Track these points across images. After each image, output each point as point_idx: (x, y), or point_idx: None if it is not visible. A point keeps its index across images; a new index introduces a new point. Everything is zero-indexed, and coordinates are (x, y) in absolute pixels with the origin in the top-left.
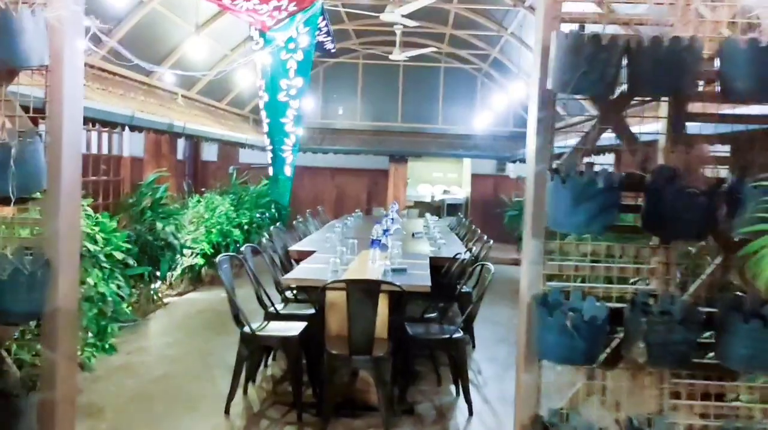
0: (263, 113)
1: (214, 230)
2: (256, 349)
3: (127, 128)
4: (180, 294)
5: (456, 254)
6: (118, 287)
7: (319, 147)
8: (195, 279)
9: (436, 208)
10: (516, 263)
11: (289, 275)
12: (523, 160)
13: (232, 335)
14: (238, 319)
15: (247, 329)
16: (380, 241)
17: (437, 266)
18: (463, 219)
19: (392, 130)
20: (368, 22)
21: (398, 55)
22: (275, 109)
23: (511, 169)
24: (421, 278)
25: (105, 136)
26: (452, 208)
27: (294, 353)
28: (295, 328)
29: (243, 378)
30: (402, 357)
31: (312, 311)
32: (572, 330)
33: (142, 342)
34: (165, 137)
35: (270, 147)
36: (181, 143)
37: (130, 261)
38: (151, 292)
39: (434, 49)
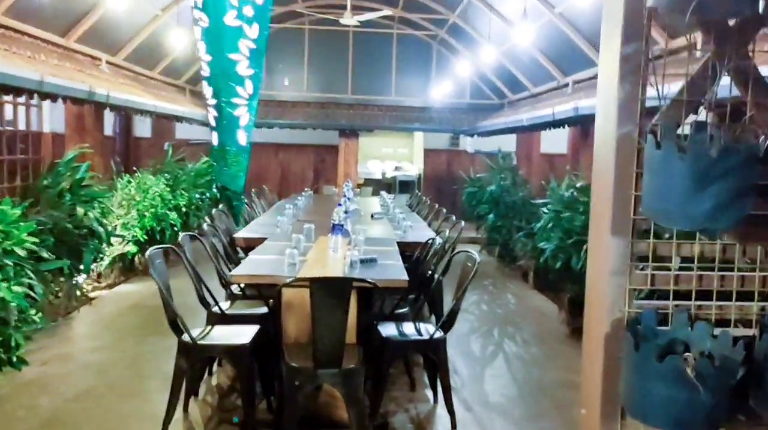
0: (201, 47)
1: (147, 214)
2: (198, 361)
3: (37, 98)
4: (110, 286)
5: (429, 239)
6: (30, 287)
7: (263, 121)
8: (127, 269)
9: (387, 186)
10: (474, 241)
11: (237, 271)
12: (483, 134)
13: (169, 336)
14: (175, 325)
15: (186, 337)
16: (342, 226)
17: (405, 252)
18: (423, 197)
19: (342, 102)
20: None
21: (349, 20)
22: (219, 39)
23: (469, 143)
24: (394, 270)
25: (21, 109)
26: (404, 186)
27: (245, 365)
28: (245, 333)
29: (183, 393)
30: (373, 363)
31: (264, 310)
32: (695, 380)
33: (62, 348)
34: (89, 110)
35: (213, 101)
36: (110, 117)
37: (45, 254)
38: (74, 287)
39: (389, 12)
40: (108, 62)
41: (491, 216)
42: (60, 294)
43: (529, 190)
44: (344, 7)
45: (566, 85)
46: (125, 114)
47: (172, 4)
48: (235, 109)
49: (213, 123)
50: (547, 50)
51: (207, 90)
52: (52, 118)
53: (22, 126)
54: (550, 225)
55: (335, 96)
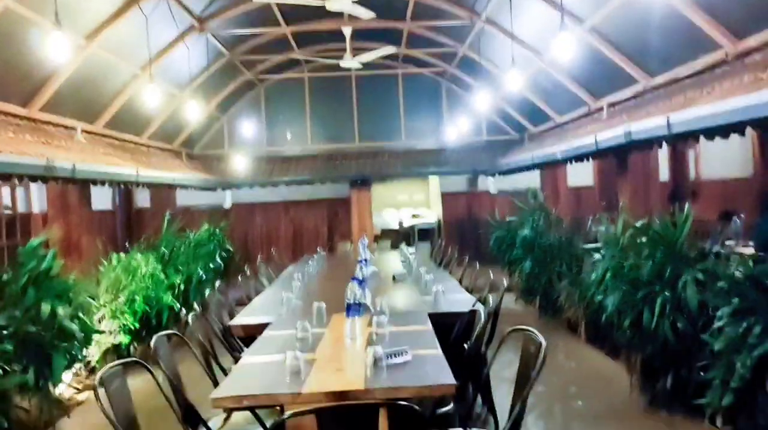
0: None
1: (137, 298)
2: None
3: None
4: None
5: (470, 310)
6: None
7: (269, 179)
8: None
9: (405, 235)
10: (508, 289)
11: (220, 392)
12: (505, 172)
13: None
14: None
15: None
16: (359, 305)
17: (438, 323)
18: (448, 248)
19: (349, 152)
20: (310, 25)
21: (350, 62)
22: None
23: (491, 184)
24: (435, 368)
25: (6, 190)
26: (424, 234)
27: None
28: None
29: None
30: None
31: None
32: None
33: None
34: (73, 186)
35: None
36: (106, 192)
37: None
38: (45, 399)
39: (393, 50)
40: (85, 131)
41: (527, 264)
42: (30, 410)
43: (564, 230)
44: (343, 51)
45: (600, 109)
46: (124, 186)
47: (152, 60)
48: None
49: None
50: (576, 73)
51: None
52: (41, 198)
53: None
54: (608, 275)
55: (342, 146)
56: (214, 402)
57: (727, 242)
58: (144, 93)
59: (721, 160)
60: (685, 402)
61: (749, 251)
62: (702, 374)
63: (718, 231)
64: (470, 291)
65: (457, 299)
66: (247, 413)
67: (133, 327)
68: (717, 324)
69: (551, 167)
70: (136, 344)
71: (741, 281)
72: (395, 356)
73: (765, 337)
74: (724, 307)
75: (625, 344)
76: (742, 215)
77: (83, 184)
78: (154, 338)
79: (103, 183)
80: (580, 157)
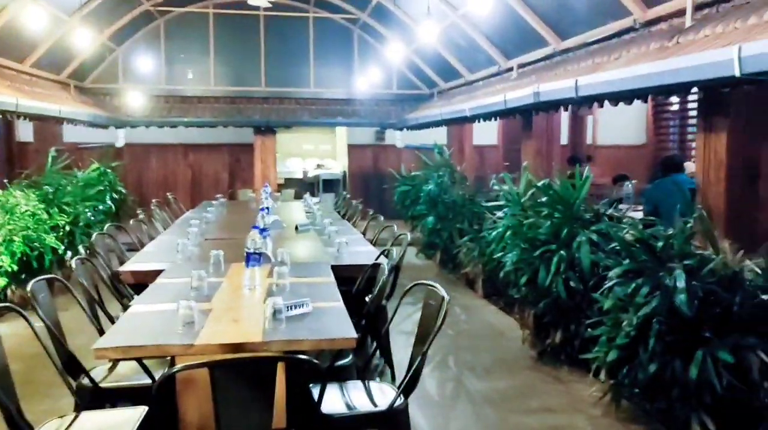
0: None
1: (15, 238)
2: None
3: None
4: None
5: (373, 264)
6: None
7: (166, 119)
8: None
9: (309, 185)
10: (410, 243)
11: (103, 342)
12: (413, 127)
13: (49, 402)
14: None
15: None
16: (259, 255)
17: (340, 276)
18: (352, 201)
19: (255, 95)
20: None
21: (259, 0)
22: None
23: (398, 138)
24: (334, 321)
25: None
26: (328, 185)
27: None
28: (122, 426)
29: None
30: None
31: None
32: None
33: None
34: None
35: None
36: None
37: None
38: None
39: None
40: None
41: (430, 219)
42: None
43: (468, 187)
44: None
45: (509, 69)
46: (2, 116)
47: None
48: None
49: None
50: (490, 31)
51: None
52: None
53: None
54: (508, 233)
55: (247, 89)
56: (96, 352)
57: (620, 206)
58: (25, 14)
59: (618, 128)
60: (573, 356)
61: (639, 214)
62: (590, 330)
63: (611, 194)
64: (374, 244)
65: (361, 252)
66: (134, 363)
67: (10, 269)
68: (607, 284)
69: (458, 125)
70: (14, 288)
71: (632, 243)
72: (295, 308)
73: (651, 297)
74: (615, 267)
75: (520, 300)
76: (634, 181)
77: None
78: (31, 283)
79: None
80: (488, 116)
